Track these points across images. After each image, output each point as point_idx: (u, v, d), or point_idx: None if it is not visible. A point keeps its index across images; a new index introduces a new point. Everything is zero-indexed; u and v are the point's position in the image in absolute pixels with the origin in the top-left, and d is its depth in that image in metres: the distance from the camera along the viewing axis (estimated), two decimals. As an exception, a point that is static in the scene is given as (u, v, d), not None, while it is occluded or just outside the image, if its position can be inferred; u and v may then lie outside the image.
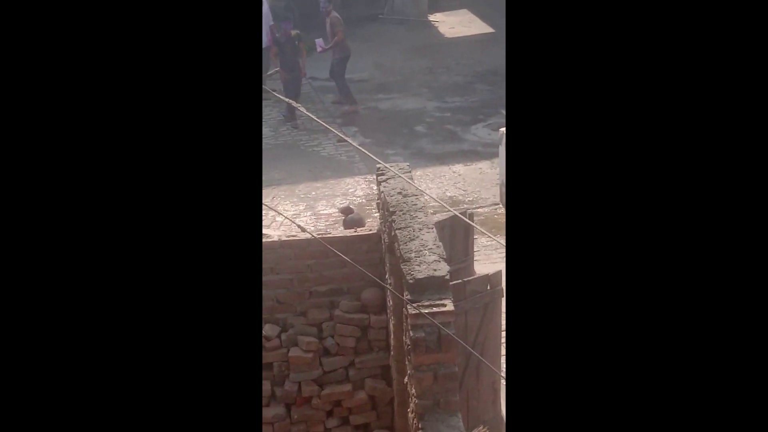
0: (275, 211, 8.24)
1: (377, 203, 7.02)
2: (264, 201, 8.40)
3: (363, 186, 11.86)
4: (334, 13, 15.02)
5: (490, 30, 18.08)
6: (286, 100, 6.16)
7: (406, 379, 5.48)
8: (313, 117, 5.38)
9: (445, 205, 8.37)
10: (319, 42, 15.06)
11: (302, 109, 5.34)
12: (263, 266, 6.43)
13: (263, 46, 14.52)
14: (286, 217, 8.87)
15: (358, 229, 7.20)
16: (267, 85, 13.18)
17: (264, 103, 14.28)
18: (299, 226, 7.18)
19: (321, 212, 11.14)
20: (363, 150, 5.28)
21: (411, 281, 4.95)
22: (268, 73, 14.56)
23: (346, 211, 9.06)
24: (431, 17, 19.57)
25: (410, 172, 6.57)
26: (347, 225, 8.57)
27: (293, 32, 14.38)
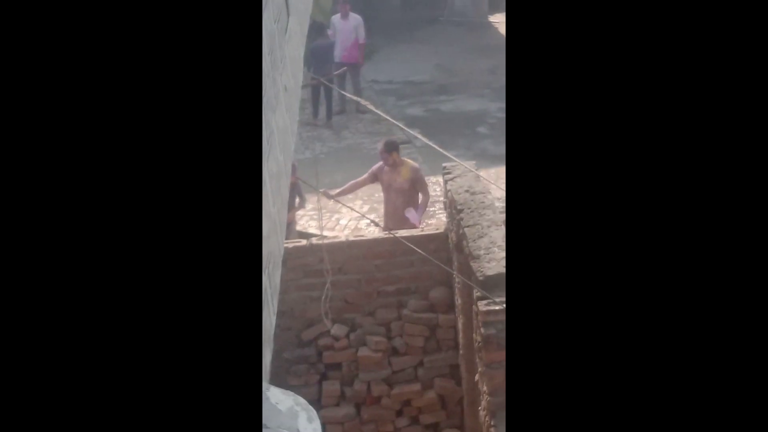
0: (346, 206, 8.25)
1: (444, 202, 7.02)
2: (329, 201, 8.43)
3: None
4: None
5: (551, 29, 17.95)
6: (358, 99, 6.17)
7: (476, 377, 5.46)
8: (382, 114, 5.39)
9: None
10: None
11: (371, 107, 5.36)
12: (331, 267, 6.48)
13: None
14: (356, 212, 8.88)
15: (424, 228, 7.19)
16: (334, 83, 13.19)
17: (327, 104, 14.31)
18: (371, 221, 7.19)
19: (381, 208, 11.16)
20: (435, 146, 5.27)
21: (481, 278, 4.94)
22: (336, 72, 14.36)
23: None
24: (491, 18, 19.51)
25: (477, 170, 6.56)
26: (384, 149, 8.36)
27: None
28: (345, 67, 14.19)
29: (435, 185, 10.98)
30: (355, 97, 7.41)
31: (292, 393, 2.12)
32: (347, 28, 14.40)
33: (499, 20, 19.45)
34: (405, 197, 8.23)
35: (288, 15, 3.79)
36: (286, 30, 3.63)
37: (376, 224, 7.05)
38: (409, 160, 8.56)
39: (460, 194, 6.04)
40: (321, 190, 8.25)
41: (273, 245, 2.64)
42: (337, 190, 8.75)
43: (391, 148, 8.31)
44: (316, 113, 14.18)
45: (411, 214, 8.01)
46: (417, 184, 8.26)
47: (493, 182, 6.60)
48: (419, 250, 5.82)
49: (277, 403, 2.05)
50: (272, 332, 2.44)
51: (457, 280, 6.26)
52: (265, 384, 2.12)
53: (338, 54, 14.35)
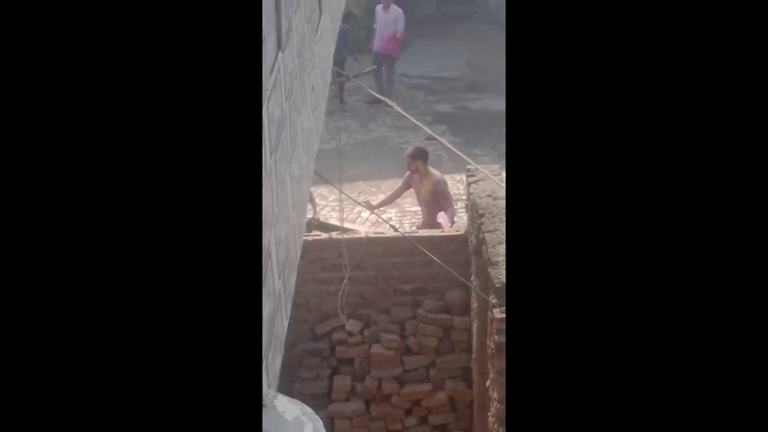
0: (362, 205, 8.22)
1: (465, 204, 7.00)
2: (351, 195, 8.40)
3: (449, 185, 11.84)
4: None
5: (585, 32, 17.83)
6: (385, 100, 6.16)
7: (487, 383, 5.45)
8: (403, 113, 5.38)
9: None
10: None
11: (394, 105, 5.35)
12: (349, 262, 6.48)
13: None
14: (372, 212, 8.85)
15: (445, 230, 7.17)
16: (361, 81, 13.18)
17: (354, 98, 14.32)
18: (389, 224, 7.18)
19: (407, 209, 11.14)
20: (453, 149, 5.27)
21: (498, 285, 4.93)
22: (365, 71, 14.38)
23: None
24: (526, 17, 19.41)
25: (501, 174, 6.53)
26: (409, 154, 8.32)
27: None
28: (375, 67, 14.15)
29: (459, 183, 10.94)
30: (382, 98, 7.37)
31: (299, 402, 2.12)
32: (387, 20, 14.29)
33: (533, 20, 19.36)
34: (429, 207, 8.16)
35: (320, 13, 3.79)
36: (318, 29, 3.62)
37: (395, 229, 7.03)
38: (433, 171, 8.42)
39: (482, 198, 6.03)
40: (363, 201, 8.26)
41: (291, 249, 2.64)
42: (378, 201, 8.80)
43: (416, 155, 8.23)
44: (341, 101, 14.19)
45: (443, 219, 7.83)
46: (439, 197, 8.12)
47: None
48: (434, 258, 5.81)
49: (283, 412, 2.05)
50: (283, 337, 2.44)
51: (474, 283, 6.25)
52: (273, 392, 2.12)
53: (376, 45, 14.34)
